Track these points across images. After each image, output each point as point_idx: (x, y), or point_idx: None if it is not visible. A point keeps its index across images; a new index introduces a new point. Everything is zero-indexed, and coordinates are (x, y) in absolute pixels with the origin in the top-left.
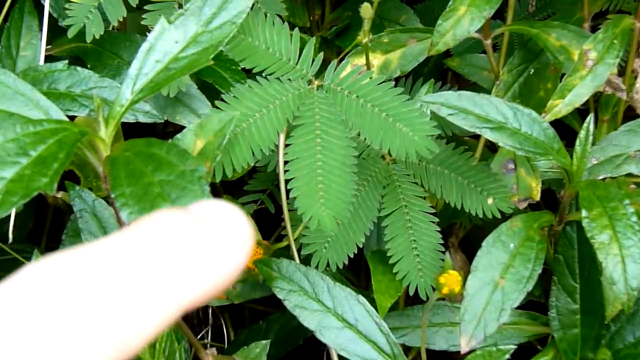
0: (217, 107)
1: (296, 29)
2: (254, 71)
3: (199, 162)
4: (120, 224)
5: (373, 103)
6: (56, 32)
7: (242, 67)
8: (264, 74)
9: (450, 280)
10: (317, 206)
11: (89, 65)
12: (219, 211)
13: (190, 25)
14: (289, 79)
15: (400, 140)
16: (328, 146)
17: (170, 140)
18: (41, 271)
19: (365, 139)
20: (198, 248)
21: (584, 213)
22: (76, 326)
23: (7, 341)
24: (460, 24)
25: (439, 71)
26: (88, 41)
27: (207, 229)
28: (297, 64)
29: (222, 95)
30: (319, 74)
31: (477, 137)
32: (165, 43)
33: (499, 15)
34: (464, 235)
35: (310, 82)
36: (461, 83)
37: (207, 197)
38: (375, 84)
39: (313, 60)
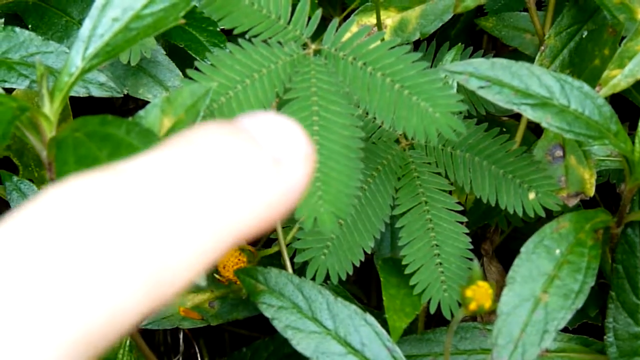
0: (190, 77)
1: None
2: (235, 32)
3: None
4: None
5: (384, 72)
6: None
7: (221, 27)
8: (247, 36)
9: (479, 293)
10: (313, 201)
11: (29, 26)
12: (274, 126)
13: None
14: (279, 42)
15: (418, 118)
16: (327, 126)
17: (130, 118)
18: (67, 196)
19: (374, 117)
20: (253, 169)
21: None
22: (105, 252)
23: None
24: None
25: (470, 34)
26: None
27: (263, 148)
28: (289, 23)
29: (196, 63)
30: (317, 35)
31: (517, 117)
32: None
33: None
34: (501, 241)
35: (305, 46)
36: (498, 49)
37: None
38: (387, 47)
39: (309, 19)
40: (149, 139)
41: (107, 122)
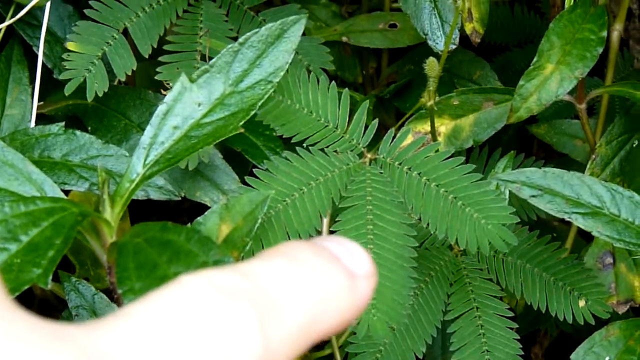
0: (247, 184)
1: (346, 89)
2: (293, 140)
3: (224, 252)
4: None
5: (438, 182)
6: (50, 86)
7: (279, 134)
8: (305, 144)
9: None
10: (366, 309)
11: (89, 128)
12: (347, 248)
13: (216, 84)
14: (336, 151)
15: (470, 229)
16: (382, 234)
17: (189, 225)
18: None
19: (428, 225)
20: (339, 282)
21: None
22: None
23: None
24: (547, 85)
25: (522, 139)
26: (89, 99)
27: (345, 267)
28: (346, 132)
29: (254, 170)
30: (373, 144)
31: (568, 222)
32: (186, 106)
33: (596, 69)
34: (549, 345)
35: (361, 155)
36: (549, 154)
37: None
38: (441, 159)
39: (366, 128)
40: (208, 246)
41: (167, 229)
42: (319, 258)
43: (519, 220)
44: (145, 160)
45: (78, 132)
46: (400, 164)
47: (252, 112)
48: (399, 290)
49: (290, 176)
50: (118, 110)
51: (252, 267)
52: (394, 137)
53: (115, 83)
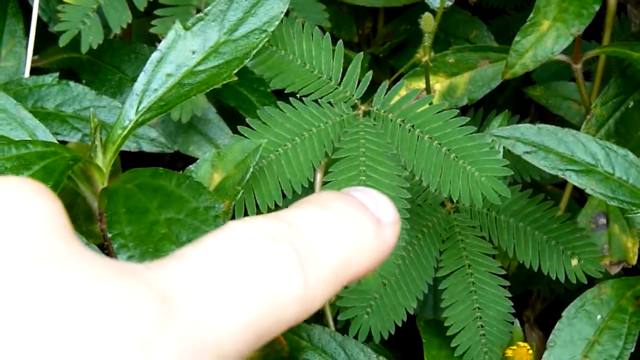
0: (240, 134)
1: (340, 41)
2: (286, 91)
3: (215, 199)
4: None
5: (431, 135)
6: (45, 39)
7: (273, 86)
8: (298, 95)
9: (520, 353)
10: None
11: (83, 81)
12: (375, 197)
13: (210, 32)
14: (330, 102)
15: (463, 182)
16: (375, 186)
17: (181, 172)
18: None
19: (420, 179)
20: (367, 228)
21: None
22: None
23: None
24: (543, 42)
25: (518, 102)
26: (83, 51)
27: (372, 214)
28: (339, 84)
29: (247, 120)
30: (367, 97)
31: (562, 185)
32: (180, 53)
33: (594, 34)
34: (543, 309)
35: (355, 107)
36: (545, 117)
37: None
38: (435, 111)
39: (359, 81)
40: (198, 192)
41: (158, 175)
42: (349, 206)
43: (513, 178)
44: (137, 107)
45: (72, 83)
46: (393, 116)
47: (246, 61)
48: None
49: (283, 126)
50: (113, 64)
51: (291, 214)
52: (387, 90)
53: (111, 37)
